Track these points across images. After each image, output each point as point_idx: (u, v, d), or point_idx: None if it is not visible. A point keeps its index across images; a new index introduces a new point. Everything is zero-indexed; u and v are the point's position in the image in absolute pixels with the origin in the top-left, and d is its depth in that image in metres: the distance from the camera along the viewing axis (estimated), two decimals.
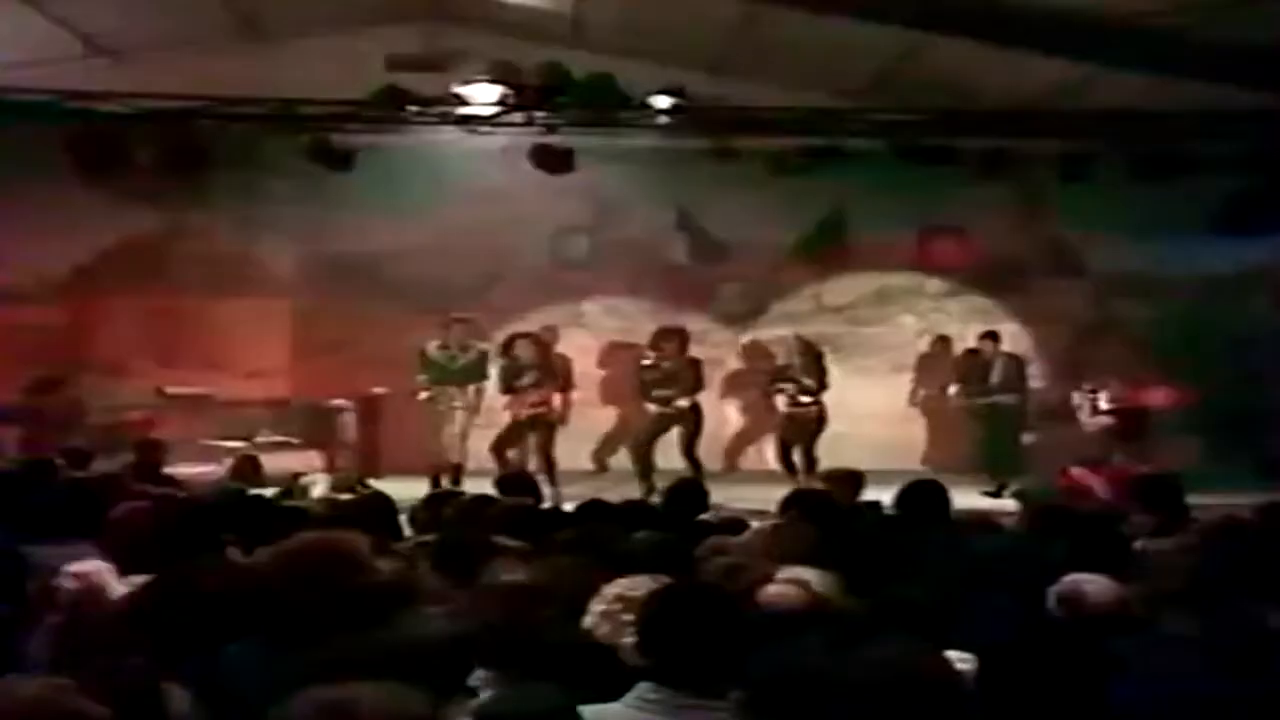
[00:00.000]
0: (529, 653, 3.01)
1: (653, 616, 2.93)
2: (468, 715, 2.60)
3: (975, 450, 11.46)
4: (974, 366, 11.62)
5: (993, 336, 11.58)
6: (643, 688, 2.81)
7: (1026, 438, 11.47)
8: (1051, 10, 9.70)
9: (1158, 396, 11.65)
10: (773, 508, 6.09)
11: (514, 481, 6.90)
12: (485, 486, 7.00)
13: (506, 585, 3.47)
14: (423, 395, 10.82)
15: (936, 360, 12.78)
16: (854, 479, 6.99)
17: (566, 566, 3.84)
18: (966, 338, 12.18)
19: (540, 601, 3.31)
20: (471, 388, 10.84)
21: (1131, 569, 4.03)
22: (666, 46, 11.39)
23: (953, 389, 11.81)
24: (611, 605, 3.37)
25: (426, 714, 2.14)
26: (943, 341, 12.89)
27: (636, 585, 3.38)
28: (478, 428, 10.80)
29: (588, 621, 3.32)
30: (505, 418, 10.90)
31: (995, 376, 11.33)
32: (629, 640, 3.16)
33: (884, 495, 6.74)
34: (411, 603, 3.44)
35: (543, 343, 11.11)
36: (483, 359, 11.00)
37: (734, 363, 12.82)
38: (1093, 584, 3.58)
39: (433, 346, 10.89)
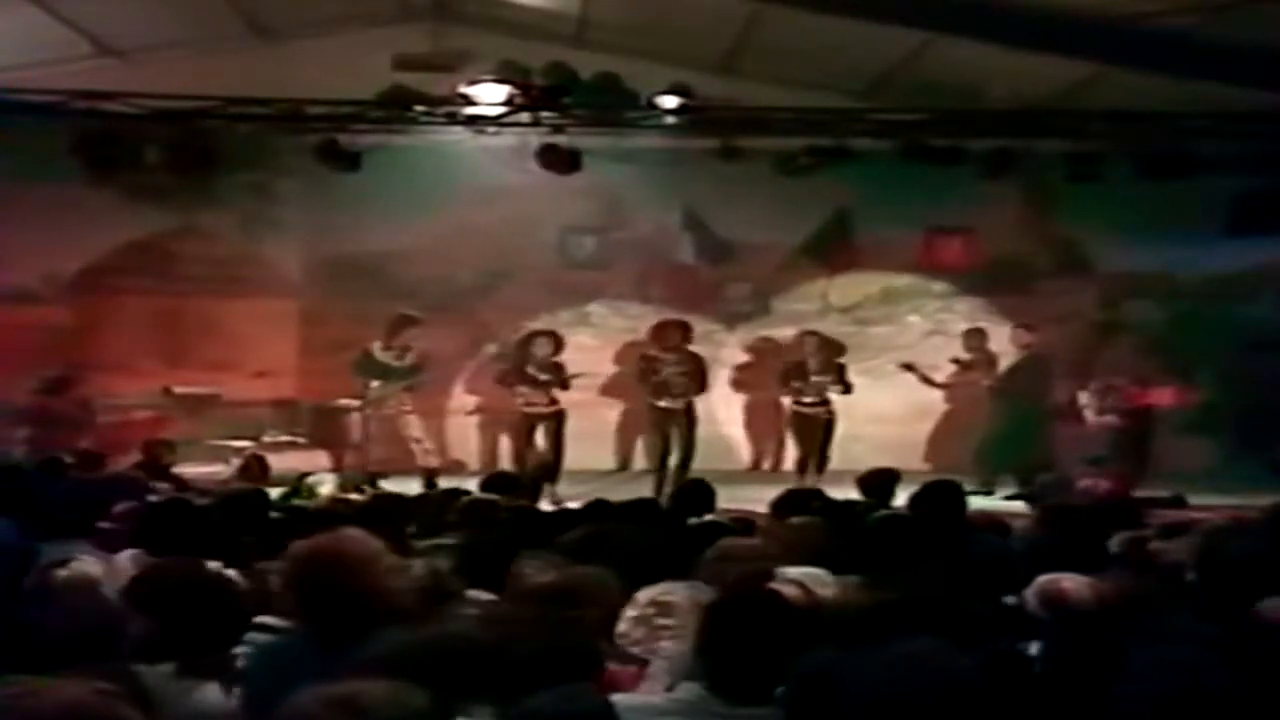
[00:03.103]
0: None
1: (718, 625, 2.88)
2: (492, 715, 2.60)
3: (994, 445, 11.20)
4: (992, 359, 11.64)
5: (1029, 328, 11.54)
6: (687, 687, 2.80)
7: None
8: (1058, 10, 9.69)
9: (1164, 396, 11.62)
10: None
11: (500, 481, 6.90)
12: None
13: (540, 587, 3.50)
14: (370, 396, 10.93)
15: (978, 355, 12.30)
16: (888, 476, 7.04)
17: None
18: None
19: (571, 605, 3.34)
20: (415, 389, 11.01)
21: (1135, 569, 4.02)
22: (673, 46, 11.39)
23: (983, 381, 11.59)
24: (645, 610, 3.37)
25: (428, 710, 2.15)
26: (979, 334, 12.24)
27: (671, 591, 3.39)
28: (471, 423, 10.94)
29: (621, 627, 3.31)
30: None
31: (1013, 367, 11.31)
32: (665, 644, 3.16)
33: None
34: (435, 603, 3.45)
35: (560, 341, 11.15)
36: (422, 360, 11.11)
37: (742, 359, 12.79)
38: (1072, 581, 3.58)
39: (377, 347, 10.99)
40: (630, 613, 3.40)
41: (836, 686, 2.65)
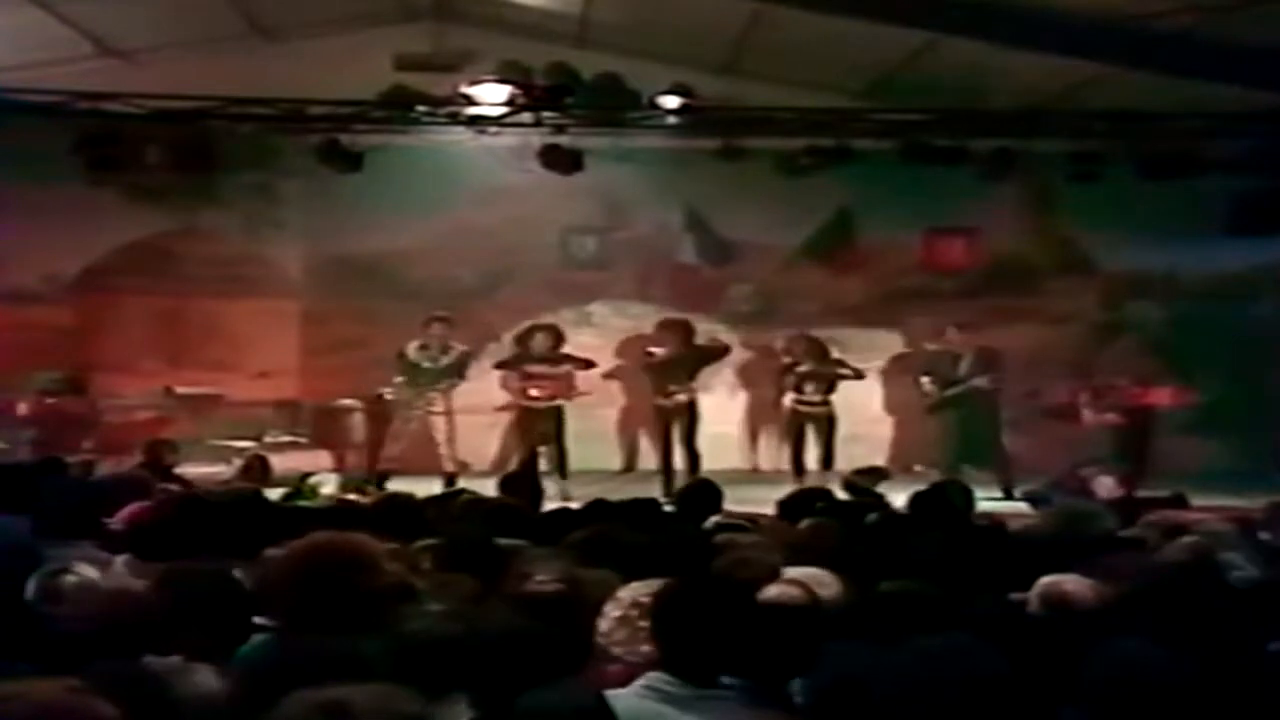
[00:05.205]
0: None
1: (666, 609, 2.99)
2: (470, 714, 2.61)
3: (951, 444, 11.14)
4: (942, 358, 11.43)
5: (966, 326, 11.48)
6: (652, 677, 2.86)
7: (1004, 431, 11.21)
8: (1058, 10, 9.70)
9: (1163, 396, 11.62)
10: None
11: (517, 480, 6.89)
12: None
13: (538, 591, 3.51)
14: (389, 396, 10.86)
15: (909, 357, 12.59)
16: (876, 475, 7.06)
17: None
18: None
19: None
20: (446, 390, 10.91)
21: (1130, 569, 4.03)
22: (674, 47, 11.40)
23: (924, 380, 11.45)
24: (629, 611, 3.37)
25: (418, 713, 2.16)
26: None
27: (653, 589, 3.38)
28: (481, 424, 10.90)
29: (603, 625, 3.31)
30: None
31: (965, 367, 11.15)
32: (646, 647, 3.17)
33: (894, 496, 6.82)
34: (411, 602, 3.46)
35: (559, 335, 11.16)
36: (464, 360, 11.04)
37: (741, 360, 12.77)
38: (1074, 583, 3.59)
39: (413, 347, 10.90)
40: (613, 613, 3.38)
41: (869, 683, 2.66)
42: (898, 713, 2.56)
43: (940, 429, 11.29)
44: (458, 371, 11.00)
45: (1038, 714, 2.72)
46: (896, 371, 12.67)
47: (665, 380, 11.04)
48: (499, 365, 11.36)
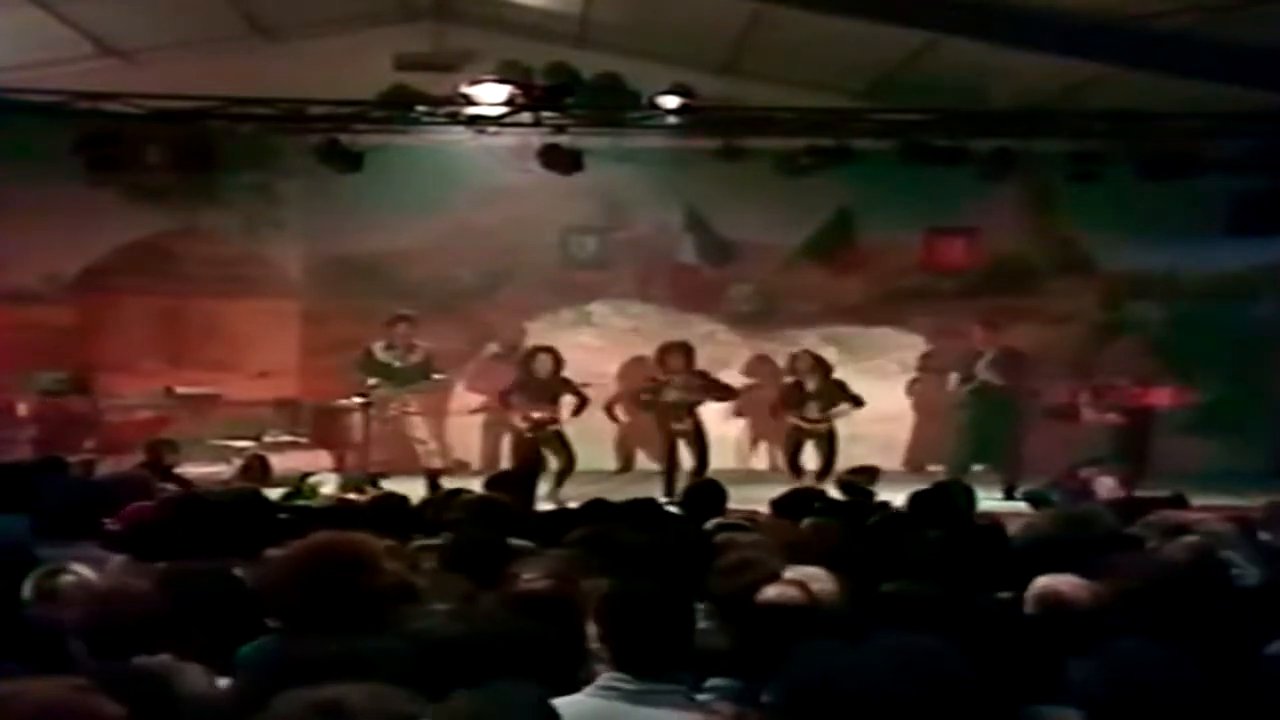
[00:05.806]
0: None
1: (608, 610, 3.09)
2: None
3: (965, 442, 11.20)
4: (965, 356, 11.47)
5: (990, 324, 11.49)
6: (607, 676, 2.93)
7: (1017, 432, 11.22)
8: (1058, 10, 9.70)
9: (1163, 396, 11.62)
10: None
11: (502, 480, 6.89)
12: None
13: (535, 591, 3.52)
14: (357, 399, 10.86)
15: (935, 355, 12.69)
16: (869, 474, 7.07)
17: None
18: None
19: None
20: (425, 389, 10.99)
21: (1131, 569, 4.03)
22: (674, 47, 11.40)
23: (952, 377, 11.56)
24: None
25: (412, 713, 2.16)
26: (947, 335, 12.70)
27: None
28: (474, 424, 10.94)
29: (591, 630, 3.33)
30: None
31: (984, 365, 11.20)
32: None
33: (894, 496, 6.82)
34: (412, 602, 3.47)
35: (559, 358, 11.13)
36: (429, 359, 11.08)
37: (741, 366, 12.75)
38: (1069, 583, 3.60)
39: (379, 347, 10.96)
40: None
41: (833, 682, 2.67)
42: (861, 712, 2.57)
43: (956, 428, 11.31)
44: (428, 371, 11.05)
45: (1003, 714, 2.73)
46: (921, 369, 12.69)
47: (668, 416, 11.07)
48: (504, 393, 11.27)
